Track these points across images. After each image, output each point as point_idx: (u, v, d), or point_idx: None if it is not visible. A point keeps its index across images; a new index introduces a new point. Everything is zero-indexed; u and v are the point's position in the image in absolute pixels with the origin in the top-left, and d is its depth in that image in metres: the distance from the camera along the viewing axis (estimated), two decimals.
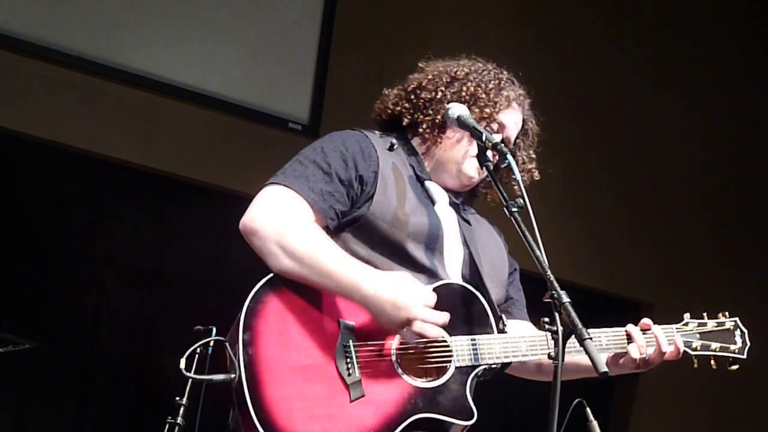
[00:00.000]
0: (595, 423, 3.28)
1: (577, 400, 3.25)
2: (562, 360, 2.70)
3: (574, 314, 2.74)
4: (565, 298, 2.76)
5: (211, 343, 4.81)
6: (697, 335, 3.29)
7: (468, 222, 3.31)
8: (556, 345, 2.73)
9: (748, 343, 3.33)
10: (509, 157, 3.00)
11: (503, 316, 3.15)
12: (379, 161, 3.12)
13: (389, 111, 3.32)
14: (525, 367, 3.32)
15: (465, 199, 3.36)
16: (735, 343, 3.32)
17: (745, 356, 3.32)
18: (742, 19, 8.14)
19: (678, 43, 7.95)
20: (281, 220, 2.94)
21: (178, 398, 4.75)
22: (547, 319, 2.82)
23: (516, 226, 2.94)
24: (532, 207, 2.90)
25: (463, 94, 3.23)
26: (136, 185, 6.38)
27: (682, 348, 3.24)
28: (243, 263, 3.02)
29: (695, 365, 3.28)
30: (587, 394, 3.30)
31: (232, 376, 2.86)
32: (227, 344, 2.91)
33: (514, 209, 2.95)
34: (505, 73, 3.37)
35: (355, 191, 3.07)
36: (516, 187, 3.00)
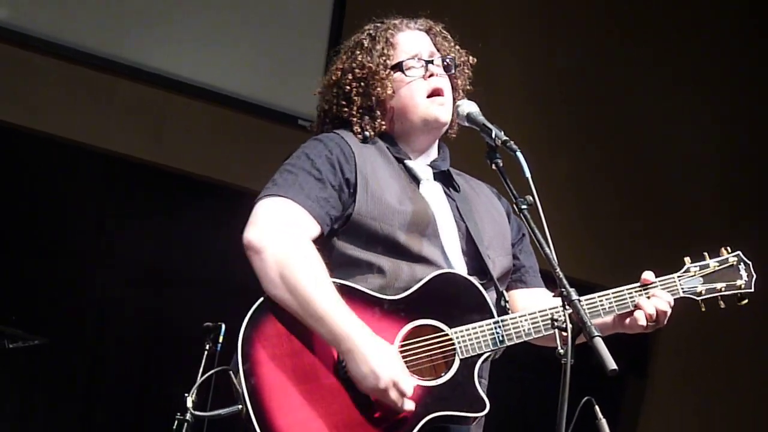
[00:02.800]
0: (603, 421, 3.26)
1: (585, 398, 3.24)
2: (572, 358, 2.69)
3: (583, 311, 2.74)
4: (575, 296, 2.76)
5: (220, 340, 4.82)
6: (701, 279, 3.21)
7: (459, 190, 3.27)
8: (564, 343, 2.72)
9: (754, 275, 3.26)
10: (519, 154, 2.98)
11: (503, 291, 3.14)
12: (357, 160, 3.10)
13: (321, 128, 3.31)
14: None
15: (448, 158, 3.30)
16: (740, 278, 3.25)
17: (752, 289, 3.25)
18: (745, 14, 8.11)
19: (683, 40, 7.93)
20: (285, 244, 2.92)
21: (186, 394, 4.75)
22: (556, 317, 2.82)
23: (525, 224, 2.94)
24: (539, 203, 2.90)
25: (349, 89, 3.21)
26: (145, 182, 6.39)
27: (670, 302, 3.13)
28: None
29: (703, 309, 3.20)
30: (596, 392, 3.29)
31: (240, 407, 2.84)
32: (231, 373, 2.88)
33: (524, 207, 2.94)
34: (367, 29, 3.30)
35: (345, 195, 3.06)
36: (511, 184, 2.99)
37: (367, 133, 3.19)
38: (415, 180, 3.19)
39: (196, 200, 6.44)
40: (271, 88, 6.62)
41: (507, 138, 3.03)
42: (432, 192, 3.20)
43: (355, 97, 3.20)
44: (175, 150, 6.36)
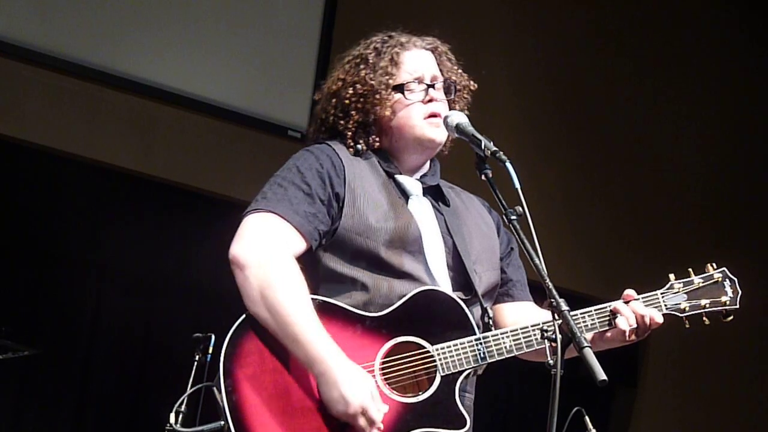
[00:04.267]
0: (594, 431, 3.27)
1: (576, 408, 3.25)
2: (561, 368, 2.69)
3: (572, 322, 2.74)
4: (564, 306, 2.76)
5: (210, 350, 4.82)
6: (684, 295, 3.20)
7: (449, 204, 3.27)
8: (554, 354, 2.72)
9: (740, 291, 3.24)
10: (508, 165, 2.97)
11: (488, 308, 3.13)
12: (346, 174, 3.10)
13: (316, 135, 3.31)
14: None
15: (438, 173, 3.30)
16: (726, 294, 3.23)
17: (738, 305, 3.22)
18: (734, 21, 8.15)
19: (673, 54, 7.97)
20: (268, 263, 2.93)
21: (177, 405, 4.75)
22: (545, 327, 2.82)
23: (515, 234, 2.93)
24: (528, 214, 2.90)
25: (348, 102, 3.21)
26: (134, 193, 6.38)
27: (659, 318, 3.12)
28: None
29: (687, 326, 3.19)
30: (586, 402, 3.30)
31: (222, 423, 2.84)
32: (215, 389, 2.89)
33: (513, 217, 2.93)
34: (373, 42, 3.29)
35: (334, 209, 3.06)
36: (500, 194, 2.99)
37: (359, 147, 3.19)
38: (405, 195, 3.19)
39: (185, 211, 6.43)
40: (260, 98, 6.62)
41: (496, 149, 3.02)
42: (420, 207, 3.19)
43: (353, 112, 3.20)
44: (164, 160, 6.35)
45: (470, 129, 3.12)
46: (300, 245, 3.00)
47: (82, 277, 6.18)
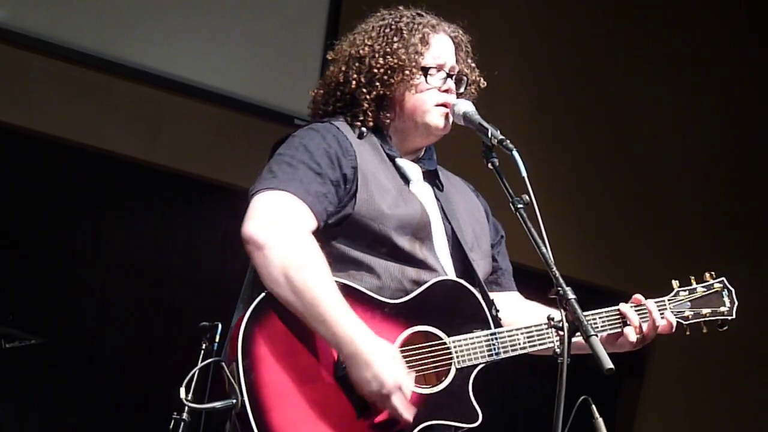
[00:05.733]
0: (600, 420, 3.27)
1: (582, 397, 3.25)
2: (568, 357, 2.70)
3: (579, 311, 2.74)
4: (571, 295, 2.76)
5: (217, 339, 4.83)
6: (688, 303, 3.28)
7: (442, 189, 3.25)
8: (561, 342, 2.72)
9: (736, 302, 3.32)
10: (515, 153, 2.96)
11: (494, 300, 3.11)
12: (356, 156, 3.05)
13: (321, 113, 3.22)
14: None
15: (434, 157, 3.29)
16: (724, 305, 3.32)
17: (734, 316, 3.32)
18: (743, 17, 8.13)
19: (680, 43, 7.94)
20: (290, 243, 2.87)
21: (187, 380, 4.74)
22: (552, 316, 2.82)
23: (522, 222, 2.92)
24: (535, 202, 2.89)
25: (376, 71, 3.13)
26: (141, 182, 6.39)
27: (674, 322, 3.22)
28: (247, 260, 2.98)
29: (687, 333, 3.27)
30: (593, 391, 3.29)
31: (234, 401, 2.81)
32: (224, 366, 2.87)
33: (520, 206, 2.92)
34: (404, 16, 3.23)
35: (342, 190, 3.01)
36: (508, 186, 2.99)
37: (368, 122, 3.13)
38: (405, 179, 3.16)
39: (192, 200, 6.43)
40: (267, 87, 6.62)
41: (503, 137, 3.02)
42: (423, 193, 3.18)
43: (378, 83, 3.13)
44: (171, 150, 6.35)
45: (477, 117, 3.11)
46: (312, 225, 2.94)
47: (88, 265, 6.18)
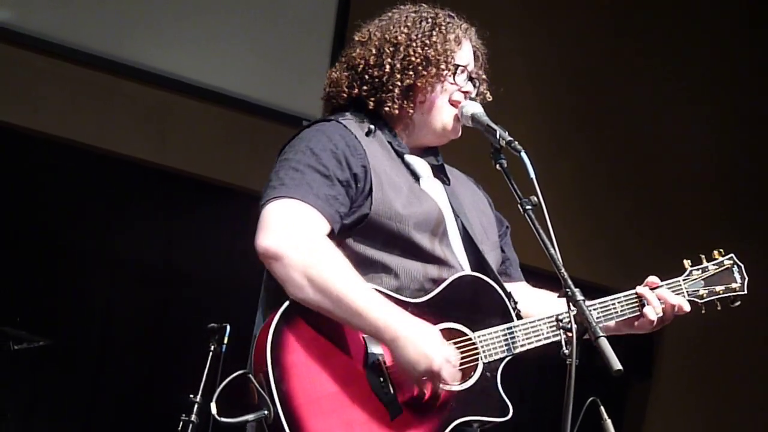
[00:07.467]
0: (609, 422, 3.27)
1: (591, 398, 3.24)
2: (576, 358, 2.69)
3: (587, 312, 2.73)
4: (579, 296, 2.75)
5: (225, 340, 4.83)
6: (702, 282, 3.28)
7: (449, 184, 3.24)
8: (569, 344, 2.71)
9: (746, 277, 3.32)
10: (523, 155, 2.95)
11: (512, 293, 3.10)
12: (366, 154, 3.01)
13: (345, 96, 3.17)
14: None
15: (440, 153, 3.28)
16: (735, 281, 3.31)
17: (745, 291, 3.31)
18: (752, 10, 8.13)
19: (685, 43, 7.94)
20: (306, 246, 2.83)
21: (191, 395, 4.75)
22: (561, 317, 2.82)
23: (530, 223, 2.90)
24: (543, 203, 2.89)
25: (413, 59, 3.09)
26: (148, 183, 6.39)
27: (687, 307, 3.20)
28: (255, 261, 2.95)
29: (703, 312, 3.26)
30: (601, 392, 3.29)
31: (266, 412, 2.76)
32: (252, 378, 2.81)
33: (528, 207, 2.91)
34: (440, 13, 3.22)
35: (353, 190, 2.97)
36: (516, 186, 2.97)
37: (371, 126, 3.10)
38: (414, 176, 3.15)
39: (199, 201, 6.44)
40: (275, 89, 6.62)
41: (511, 138, 3.01)
42: (435, 189, 3.16)
43: (412, 72, 3.09)
44: (178, 151, 6.36)
45: (485, 119, 3.10)
46: (325, 229, 2.90)
47: (95, 267, 6.19)
